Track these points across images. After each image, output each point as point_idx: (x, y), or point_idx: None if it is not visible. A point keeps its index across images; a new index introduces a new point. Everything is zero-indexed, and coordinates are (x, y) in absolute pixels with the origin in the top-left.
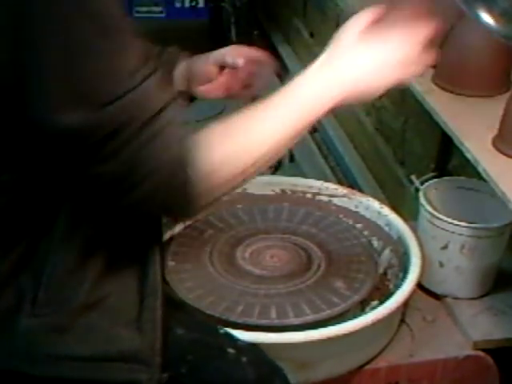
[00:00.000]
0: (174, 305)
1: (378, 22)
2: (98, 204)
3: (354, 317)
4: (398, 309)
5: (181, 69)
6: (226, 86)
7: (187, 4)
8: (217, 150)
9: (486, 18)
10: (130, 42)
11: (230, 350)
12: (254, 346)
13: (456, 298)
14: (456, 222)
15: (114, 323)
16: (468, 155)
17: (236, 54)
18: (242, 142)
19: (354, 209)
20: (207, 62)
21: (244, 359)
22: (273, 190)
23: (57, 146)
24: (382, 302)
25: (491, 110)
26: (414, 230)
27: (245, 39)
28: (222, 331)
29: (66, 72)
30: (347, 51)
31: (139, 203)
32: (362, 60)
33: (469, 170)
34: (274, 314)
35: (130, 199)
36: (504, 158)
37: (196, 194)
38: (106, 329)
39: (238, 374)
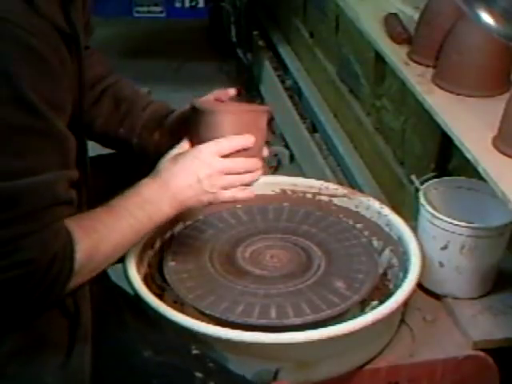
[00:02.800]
0: (147, 323)
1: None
2: None
3: (354, 317)
4: (397, 309)
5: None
6: None
7: (187, 4)
8: (85, 245)
9: (486, 17)
10: (43, 124)
11: (198, 375)
12: (224, 369)
13: (456, 298)
14: (456, 222)
15: (42, 368)
16: (468, 155)
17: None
18: (105, 239)
19: (354, 209)
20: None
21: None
22: (273, 190)
23: None
24: (382, 302)
25: (491, 110)
26: (414, 230)
27: (245, 39)
28: (194, 352)
29: None
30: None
31: (9, 283)
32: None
33: (469, 170)
34: (273, 313)
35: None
36: (504, 158)
37: (65, 284)
38: (35, 376)
39: None
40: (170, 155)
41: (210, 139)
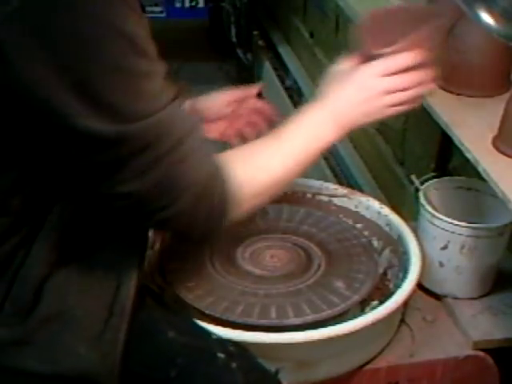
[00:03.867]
0: (167, 307)
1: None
2: (128, 220)
3: (354, 317)
4: (397, 309)
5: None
6: (221, 131)
7: (187, 4)
8: (240, 169)
9: (486, 17)
10: (156, 66)
11: (220, 355)
12: (245, 352)
13: (456, 298)
14: (456, 222)
15: (76, 338)
16: (468, 155)
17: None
18: (262, 164)
19: (353, 209)
20: (221, 99)
21: (234, 365)
22: None
23: (87, 152)
24: (382, 302)
25: (491, 110)
26: (414, 230)
27: (245, 39)
28: (214, 336)
29: (96, 84)
30: (334, 93)
31: (171, 220)
32: (348, 98)
33: (469, 170)
34: (273, 313)
35: (162, 216)
36: (504, 158)
37: (229, 209)
38: (67, 345)
39: (227, 379)
40: (333, 72)
41: None
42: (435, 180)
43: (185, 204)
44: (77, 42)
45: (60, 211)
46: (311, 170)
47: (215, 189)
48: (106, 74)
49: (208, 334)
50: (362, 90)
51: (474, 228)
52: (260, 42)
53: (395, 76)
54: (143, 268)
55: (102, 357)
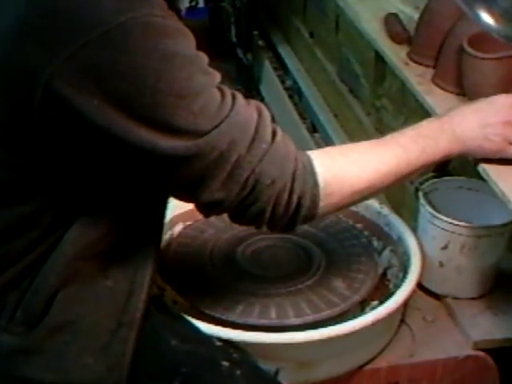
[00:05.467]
0: (170, 315)
1: None
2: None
3: (354, 317)
4: (398, 309)
5: None
6: None
7: (187, 4)
8: (332, 164)
9: (486, 17)
10: (215, 76)
11: (224, 363)
12: (248, 358)
13: (456, 298)
14: (456, 222)
15: (84, 349)
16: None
17: None
18: (355, 166)
19: (354, 209)
20: None
21: (238, 372)
22: None
23: (169, 170)
24: (382, 302)
25: None
26: (414, 230)
27: (245, 39)
28: (217, 343)
29: (168, 113)
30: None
31: (258, 216)
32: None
33: (469, 169)
34: (273, 313)
35: (249, 214)
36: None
37: (319, 198)
38: (74, 355)
39: None
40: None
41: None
42: (435, 180)
43: (269, 200)
44: (146, 77)
45: (78, 229)
46: None
47: (298, 184)
48: (177, 101)
49: (211, 340)
50: (492, 113)
51: (474, 228)
52: (260, 42)
53: None
54: (154, 281)
55: (109, 368)
